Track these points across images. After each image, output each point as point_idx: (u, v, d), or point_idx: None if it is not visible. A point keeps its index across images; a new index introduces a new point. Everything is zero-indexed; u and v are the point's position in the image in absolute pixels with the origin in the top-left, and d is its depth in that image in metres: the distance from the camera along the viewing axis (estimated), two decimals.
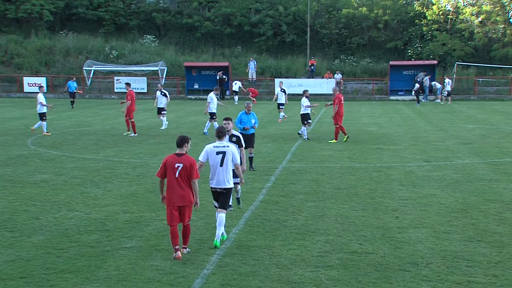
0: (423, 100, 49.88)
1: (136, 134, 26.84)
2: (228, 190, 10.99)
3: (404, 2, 66.11)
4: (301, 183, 16.35)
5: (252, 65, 55.67)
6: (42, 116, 27.36)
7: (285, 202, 14.11)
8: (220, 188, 10.93)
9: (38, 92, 28.02)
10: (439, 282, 9.07)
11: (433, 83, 50.80)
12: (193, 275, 9.34)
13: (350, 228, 11.91)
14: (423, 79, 50.48)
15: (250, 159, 18.05)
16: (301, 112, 25.59)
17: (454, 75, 55.10)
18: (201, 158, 10.92)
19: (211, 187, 11.05)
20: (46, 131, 27.30)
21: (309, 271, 9.49)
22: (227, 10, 64.73)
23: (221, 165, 10.82)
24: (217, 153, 10.83)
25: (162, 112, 29.54)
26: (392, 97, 53.05)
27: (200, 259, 10.03)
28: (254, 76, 55.50)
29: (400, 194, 15.04)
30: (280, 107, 33.73)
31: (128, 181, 16.63)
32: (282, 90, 34.05)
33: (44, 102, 27.32)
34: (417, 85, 48.71)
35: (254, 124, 17.91)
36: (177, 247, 10.14)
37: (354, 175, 17.51)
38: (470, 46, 59.26)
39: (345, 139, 24.68)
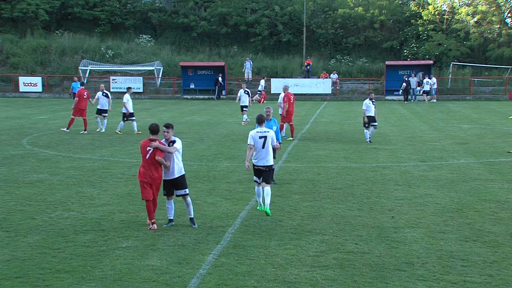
0: (413, 100, 50.04)
1: (68, 130, 27.65)
2: (270, 168, 12.98)
3: (400, 2, 66.25)
4: (297, 183, 16.35)
5: (248, 64, 55.63)
6: (124, 116, 27.52)
7: (281, 202, 14.11)
8: (263, 166, 12.74)
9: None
10: (434, 282, 9.09)
11: (425, 80, 50.77)
12: (189, 274, 9.34)
13: (346, 228, 11.92)
14: (409, 78, 50.72)
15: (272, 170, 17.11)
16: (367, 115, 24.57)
17: (450, 75, 55.24)
18: (249, 142, 12.80)
19: (255, 165, 12.80)
20: (119, 130, 27.52)
21: (305, 271, 9.49)
22: (223, 10, 64.74)
23: (263, 147, 12.75)
24: (260, 137, 12.77)
25: (103, 114, 28.35)
26: (388, 97, 53.11)
27: (196, 259, 10.02)
28: (250, 76, 55.46)
29: (395, 194, 15.06)
30: (244, 109, 32.23)
31: (124, 181, 16.61)
32: (246, 92, 32.43)
33: (125, 103, 27.18)
34: (404, 84, 49.25)
35: (276, 134, 17.18)
36: (153, 220, 11.73)
37: (350, 175, 17.52)
38: (465, 46, 59.42)
39: (290, 138, 25.31)
